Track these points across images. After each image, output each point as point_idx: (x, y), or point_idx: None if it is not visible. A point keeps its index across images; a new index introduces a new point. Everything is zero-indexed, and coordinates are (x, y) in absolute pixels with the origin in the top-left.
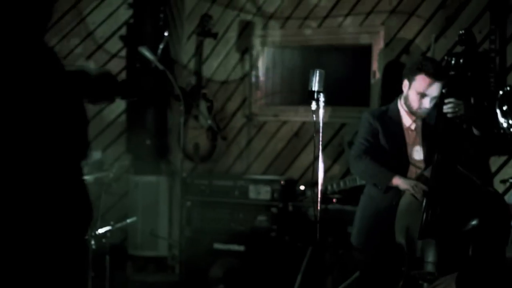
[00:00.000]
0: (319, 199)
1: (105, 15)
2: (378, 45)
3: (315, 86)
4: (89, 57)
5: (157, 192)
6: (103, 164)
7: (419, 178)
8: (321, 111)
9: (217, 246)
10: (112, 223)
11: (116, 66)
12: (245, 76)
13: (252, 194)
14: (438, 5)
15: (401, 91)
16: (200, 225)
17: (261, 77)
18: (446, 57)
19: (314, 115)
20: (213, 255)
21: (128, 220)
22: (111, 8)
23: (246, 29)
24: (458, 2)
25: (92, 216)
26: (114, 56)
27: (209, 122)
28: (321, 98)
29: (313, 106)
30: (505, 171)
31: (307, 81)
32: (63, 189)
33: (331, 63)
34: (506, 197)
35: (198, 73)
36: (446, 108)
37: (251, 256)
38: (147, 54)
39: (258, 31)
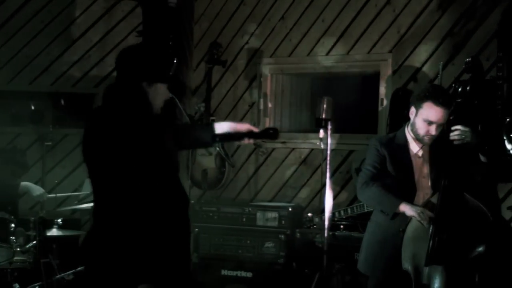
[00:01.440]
0: (326, 226)
1: (115, 43)
2: (386, 73)
3: (323, 114)
4: (98, 84)
5: None
6: None
7: (426, 204)
8: (329, 139)
9: (225, 272)
10: None
11: None
12: (254, 103)
13: (259, 221)
14: (446, 33)
15: (408, 118)
16: (208, 251)
17: (270, 104)
18: (453, 85)
19: (322, 143)
20: (221, 281)
21: None
22: (120, 37)
23: (254, 56)
24: (466, 29)
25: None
26: None
27: (218, 149)
28: (329, 126)
29: (321, 133)
30: None
31: (315, 108)
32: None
33: (339, 90)
34: None
35: (207, 100)
36: (453, 135)
37: (258, 282)
38: None
39: (266, 58)
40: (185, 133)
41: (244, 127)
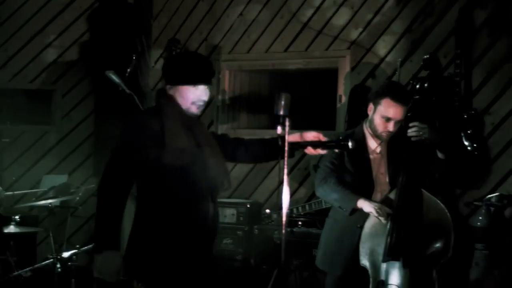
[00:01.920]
0: (284, 223)
1: (73, 40)
2: (344, 69)
3: (280, 110)
4: (55, 81)
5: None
6: (70, 188)
7: (384, 201)
8: (286, 135)
9: None
10: (78, 246)
11: (84, 89)
12: (212, 99)
13: None
14: (404, 30)
15: (366, 115)
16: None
17: (228, 101)
18: (411, 81)
19: (279, 139)
20: None
21: None
22: (78, 33)
23: (213, 53)
24: (424, 26)
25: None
26: (82, 79)
27: None
28: (287, 122)
29: (279, 130)
30: (470, 194)
31: (273, 105)
32: None
33: (298, 87)
34: (470, 220)
35: None
36: (411, 132)
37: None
38: (114, 78)
39: (225, 55)
40: (239, 146)
41: (311, 135)
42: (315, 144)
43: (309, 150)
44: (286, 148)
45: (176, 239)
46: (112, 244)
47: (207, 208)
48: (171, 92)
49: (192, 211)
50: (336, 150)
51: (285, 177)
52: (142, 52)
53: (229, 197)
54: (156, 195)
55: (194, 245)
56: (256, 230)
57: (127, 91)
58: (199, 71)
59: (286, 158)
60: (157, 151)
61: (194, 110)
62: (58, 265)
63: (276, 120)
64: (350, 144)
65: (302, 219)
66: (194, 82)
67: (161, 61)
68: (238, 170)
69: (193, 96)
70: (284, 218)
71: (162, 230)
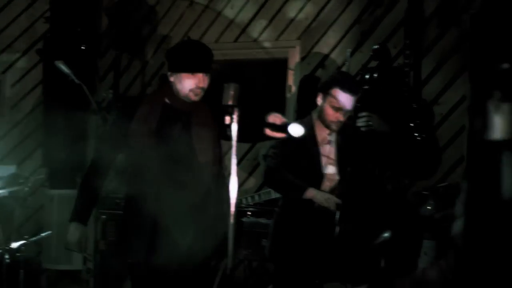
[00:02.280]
0: (232, 213)
1: (22, 29)
2: (294, 59)
3: (229, 100)
4: (5, 71)
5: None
6: (19, 178)
7: (333, 191)
8: (234, 125)
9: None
10: (27, 237)
11: (33, 79)
12: None
13: None
14: (354, 20)
15: (316, 105)
16: (115, 238)
17: None
18: (361, 72)
19: (228, 129)
20: (128, 268)
21: (43, 234)
22: (28, 23)
23: (162, 43)
24: (374, 17)
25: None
26: (31, 69)
27: None
28: (236, 112)
29: (227, 120)
30: (419, 184)
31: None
32: None
33: (247, 77)
34: (420, 210)
35: (115, 86)
36: (360, 122)
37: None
38: (64, 68)
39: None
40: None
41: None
42: (272, 126)
43: (268, 132)
44: (235, 139)
45: None
46: (77, 217)
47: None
48: (172, 78)
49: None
50: (286, 134)
51: (234, 168)
52: (91, 42)
53: None
54: None
55: None
56: None
57: (77, 81)
58: (196, 59)
59: (234, 148)
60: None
61: (192, 97)
62: (7, 256)
63: (225, 110)
64: (296, 131)
65: (251, 209)
66: (192, 70)
67: (111, 52)
68: None
69: (191, 84)
70: (232, 209)
71: None
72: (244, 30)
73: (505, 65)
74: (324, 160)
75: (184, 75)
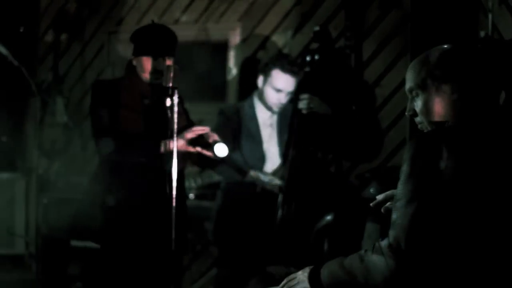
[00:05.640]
0: (174, 196)
1: None
2: (235, 41)
3: (169, 82)
4: None
5: (13, 190)
6: None
7: (275, 173)
8: (175, 107)
9: (75, 243)
10: None
11: None
12: (102, 71)
13: None
14: (295, 2)
15: (257, 87)
16: (57, 222)
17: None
18: (302, 54)
19: (169, 111)
20: (71, 252)
21: None
22: None
23: (101, 26)
24: None
25: None
26: None
27: (65, 118)
28: (176, 94)
29: (168, 102)
30: (361, 166)
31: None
32: None
33: (188, 60)
34: (362, 193)
35: (54, 69)
36: (301, 104)
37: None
38: (2, 49)
39: (113, 27)
40: None
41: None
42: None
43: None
44: (176, 121)
45: None
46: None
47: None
48: (134, 62)
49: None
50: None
51: (174, 150)
52: (30, 23)
53: None
54: None
55: None
56: None
57: (15, 63)
58: (158, 42)
59: (175, 131)
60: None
61: (153, 80)
62: None
63: (165, 92)
64: (220, 152)
65: (193, 192)
66: (153, 53)
67: (50, 33)
68: None
69: (150, 67)
70: (174, 192)
71: None
72: (185, 11)
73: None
74: (266, 142)
75: (145, 58)
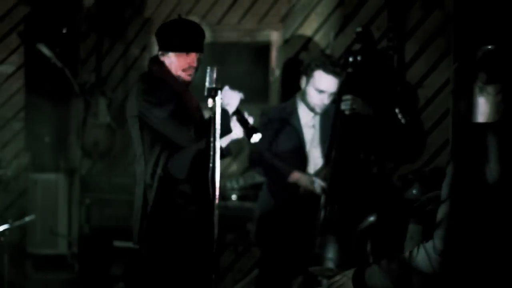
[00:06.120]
0: (217, 197)
1: (3, 11)
2: (277, 42)
3: (213, 83)
4: None
5: (56, 190)
6: (1, 162)
7: (318, 174)
8: (218, 108)
9: (117, 243)
10: (10, 221)
11: (15, 62)
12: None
13: None
14: (337, 3)
15: (300, 88)
16: (100, 222)
17: None
18: (344, 55)
19: (211, 112)
20: (113, 253)
21: (27, 218)
22: (9, 4)
23: (144, 26)
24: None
25: None
26: (12, 52)
27: (108, 119)
28: (219, 95)
29: (210, 103)
30: (404, 167)
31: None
32: None
33: (231, 60)
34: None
35: (97, 70)
36: (344, 105)
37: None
38: (45, 50)
39: (155, 28)
40: None
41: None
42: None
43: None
44: (218, 122)
45: None
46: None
47: None
48: (162, 58)
49: None
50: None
51: (217, 151)
52: (73, 24)
53: None
54: None
55: None
56: None
57: (59, 64)
58: (191, 38)
59: (218, 131)
60: None
61: (185, 77)
62: None
63: (208, 93)
64: (254, 136)
65: (236, 193)
66: (187, 49)
67: (93, 35)
68: None
69: (184, 63)
70: (217, 192)
71: None
72: (227, 12)
73: (489, 47)
74: (308, 143)
75: (177, 54)
